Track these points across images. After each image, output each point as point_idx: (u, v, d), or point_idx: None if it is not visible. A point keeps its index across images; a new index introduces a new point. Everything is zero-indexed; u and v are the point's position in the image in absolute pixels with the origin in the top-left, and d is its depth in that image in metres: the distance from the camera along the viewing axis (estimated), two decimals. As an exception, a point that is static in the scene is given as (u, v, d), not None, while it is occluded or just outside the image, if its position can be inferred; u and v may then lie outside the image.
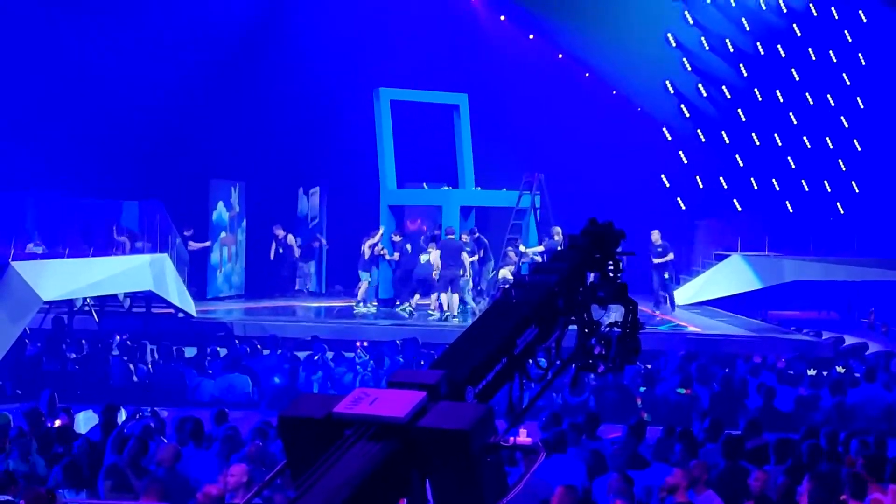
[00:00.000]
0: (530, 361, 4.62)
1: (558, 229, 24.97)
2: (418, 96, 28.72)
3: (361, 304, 25.85)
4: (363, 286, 26.05)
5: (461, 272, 24.21)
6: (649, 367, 17.57)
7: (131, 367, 18.53)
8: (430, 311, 24.44)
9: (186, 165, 27.65)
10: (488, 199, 27.85)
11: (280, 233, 29.06)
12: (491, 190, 28.05)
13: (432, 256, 24.40)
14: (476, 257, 25.36)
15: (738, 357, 19.46)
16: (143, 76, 27.57)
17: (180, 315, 23.42)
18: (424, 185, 28.59)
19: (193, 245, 27.12)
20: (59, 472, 10.33)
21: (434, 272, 24.24)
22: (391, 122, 27.99)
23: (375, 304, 26.24)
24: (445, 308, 24.01)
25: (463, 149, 28.96)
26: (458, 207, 26.77)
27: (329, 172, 30.99)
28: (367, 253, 26.01)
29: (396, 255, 26.19)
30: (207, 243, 27.62)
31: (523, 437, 4.11)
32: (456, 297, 24.10)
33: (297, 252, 29.45)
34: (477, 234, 25.93)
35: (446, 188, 27.98)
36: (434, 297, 24.27)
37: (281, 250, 29.12)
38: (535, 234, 26.67)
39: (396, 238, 26.48)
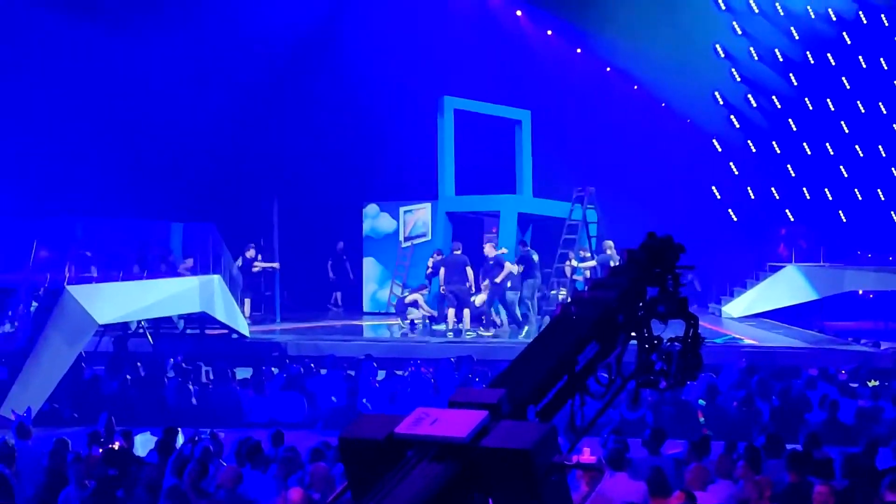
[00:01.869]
0: (591, 378, 4.57)
1: (610, 243, 24.77)
2: (483, 108, 28.72)
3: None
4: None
5: (466, 286, 24.12)
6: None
7: (190, 387, 18.58)
8: (435, 327, 24.50)
9: (245, 185, 27.59)
10: (547, 208, 27.72)
11: (251, 254, 26.42)
12: (549, 199, 27.91)
13: (440, 273, 24.32)
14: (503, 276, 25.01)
15: (796, 369, 19.19)
16: (198, 97, 27.66)
17: (234, 336, 23.48)
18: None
19: (258, 265, 26.32)
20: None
21: (441, 287, 24.29)
22: (454, 131, 27.96)
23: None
24: (450, 323, 23.89)
25: (523, 163, 28.94)
26: (516, 214, 26.69)
27: (387, 188, 30.23)
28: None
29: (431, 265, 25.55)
30: (276, 265, 26.75)
31: (587, 456, 4.05)
32: (467, 312, 23.94)
33: (274, 266, 27.08)
34: (527, 248, 25.65)
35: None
36: (451, 311, 24.10)
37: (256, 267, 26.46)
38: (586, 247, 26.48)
39: (437, 257, 26.02)
